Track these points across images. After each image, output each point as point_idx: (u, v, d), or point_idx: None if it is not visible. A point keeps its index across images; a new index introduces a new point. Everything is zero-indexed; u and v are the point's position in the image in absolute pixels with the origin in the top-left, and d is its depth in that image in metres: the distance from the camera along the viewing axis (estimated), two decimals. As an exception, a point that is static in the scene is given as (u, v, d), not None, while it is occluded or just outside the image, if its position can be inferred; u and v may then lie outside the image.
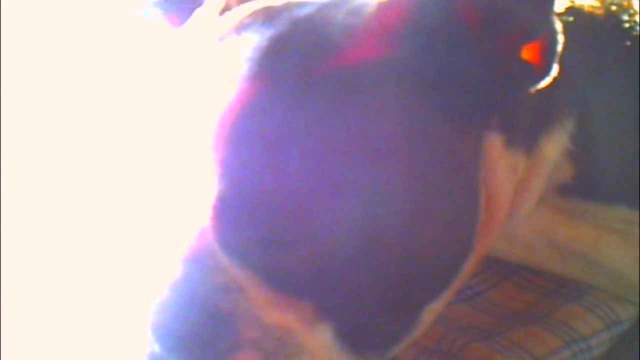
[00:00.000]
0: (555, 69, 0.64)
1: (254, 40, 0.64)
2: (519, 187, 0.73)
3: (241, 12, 0.67)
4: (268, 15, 0.66)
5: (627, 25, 0.76)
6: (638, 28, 0.75)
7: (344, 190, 0.61)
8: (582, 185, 0.77)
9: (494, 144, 0.69)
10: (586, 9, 0.76)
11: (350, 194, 0.61)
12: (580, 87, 0.72)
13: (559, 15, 0.65)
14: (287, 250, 0.61)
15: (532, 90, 0.65)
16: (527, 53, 0.64)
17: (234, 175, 0.60)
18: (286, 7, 0.66)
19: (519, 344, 0.72)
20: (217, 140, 0.61)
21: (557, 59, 0.64)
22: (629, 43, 0.74)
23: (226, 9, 0.70)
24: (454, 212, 0.67)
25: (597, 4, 0.76)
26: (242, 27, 0.66)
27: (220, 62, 0.64)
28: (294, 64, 0.62)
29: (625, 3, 0.77)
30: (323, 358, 0.64)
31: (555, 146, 0.74)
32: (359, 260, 0.63)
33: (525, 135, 0.72)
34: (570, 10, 0.74)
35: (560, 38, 0.63)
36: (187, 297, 0.62)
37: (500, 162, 0.70)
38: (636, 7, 0.76)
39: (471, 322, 0.77)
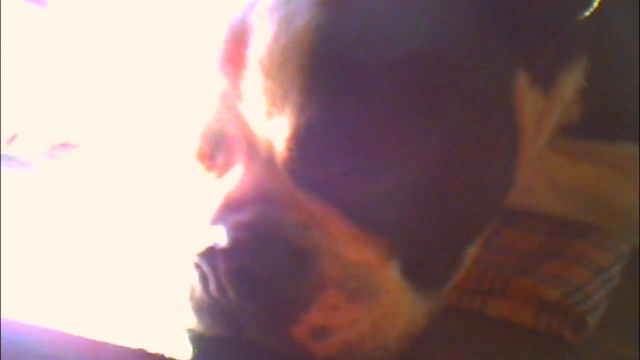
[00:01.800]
0: (597, -1, 0.66)
1: None
2: (535, 126, 0.75)
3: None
4: None
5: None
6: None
7: (430, 113, 0.60)
8: (588, 125, 0.79)
9: (522, 81, 0.70)
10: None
11: (435, 118, 0.60)
12: (593, 23, 0.74)
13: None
14: (371, 179, 0.59)
15: (575, 22, 0.67)
16: (571, -17, 0.66)
17: (321, 102, 0.57)
18: None
19: (557, 276, 0.73)
20: (296, 68, 0.58)
21: (600, -12, 0.66)
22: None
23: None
24: (506, 146, 0.68)
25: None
26: None
27: None
28: None
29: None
30: (396, 295, 0.63)
31: (571, 83, 0.75)
32: (433, 193, 0.62)
33: (546, 73, 0.74)
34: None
35: None
36: (265, 237, 0.59)
37: (527, 99, 0.71)
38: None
39: (496, 262, 0.77)
